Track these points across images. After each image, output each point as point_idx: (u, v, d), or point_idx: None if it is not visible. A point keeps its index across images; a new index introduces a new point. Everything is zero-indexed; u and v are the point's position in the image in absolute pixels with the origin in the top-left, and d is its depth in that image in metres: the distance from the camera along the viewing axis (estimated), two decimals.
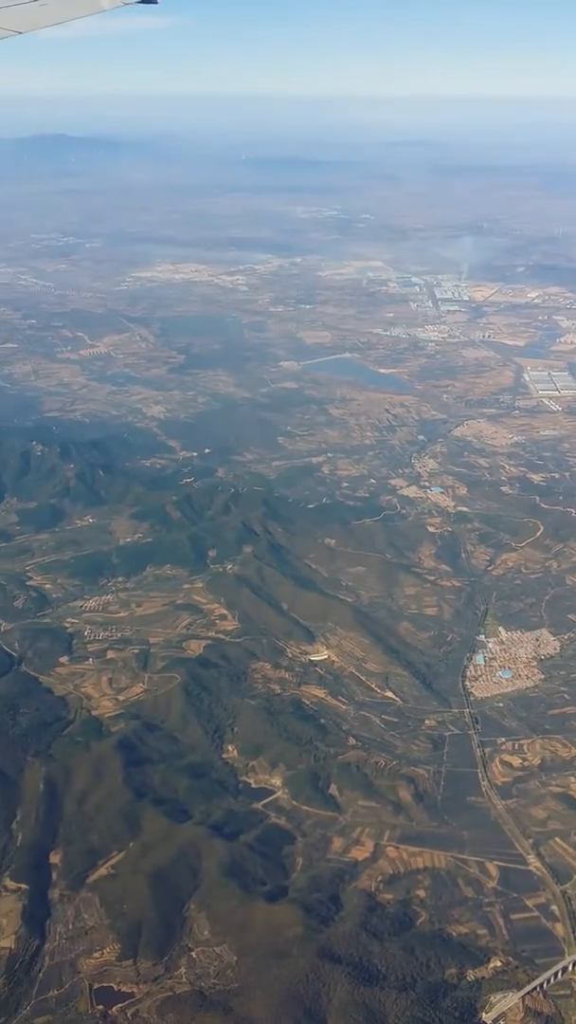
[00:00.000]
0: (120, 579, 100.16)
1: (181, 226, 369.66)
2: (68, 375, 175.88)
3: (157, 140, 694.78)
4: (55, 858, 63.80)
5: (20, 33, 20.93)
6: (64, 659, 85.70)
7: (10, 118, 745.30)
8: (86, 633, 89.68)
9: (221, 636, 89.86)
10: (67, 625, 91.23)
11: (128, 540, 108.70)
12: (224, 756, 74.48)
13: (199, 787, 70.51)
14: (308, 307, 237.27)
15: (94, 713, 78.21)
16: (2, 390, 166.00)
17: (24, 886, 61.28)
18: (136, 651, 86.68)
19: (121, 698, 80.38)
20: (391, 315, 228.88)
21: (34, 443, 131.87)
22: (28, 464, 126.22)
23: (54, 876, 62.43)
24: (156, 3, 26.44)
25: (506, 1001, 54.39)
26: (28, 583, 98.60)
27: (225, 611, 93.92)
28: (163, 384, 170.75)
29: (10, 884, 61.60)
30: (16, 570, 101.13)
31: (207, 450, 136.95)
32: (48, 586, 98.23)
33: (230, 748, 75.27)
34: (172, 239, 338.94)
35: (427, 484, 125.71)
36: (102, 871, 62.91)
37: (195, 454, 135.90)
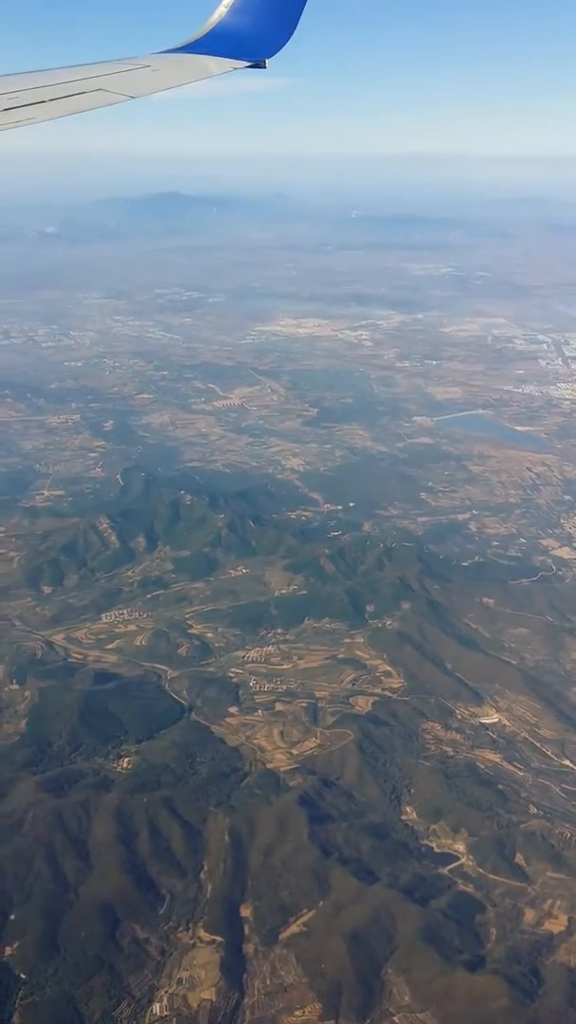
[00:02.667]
0: (279, 631, 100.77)
1: (300, 282, 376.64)
2: (205, 426, 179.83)
3: (267, 198, 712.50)
4: (246, 911, 63.67)
5: (133, 98, 21.24)
6: (233, 709, 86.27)
7: (125, 177, 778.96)
8: (251, 684, 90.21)
9: (388, 693, 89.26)
10: (232, 675, 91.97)
11: (283, 592, 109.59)
12: (403, 818, 73.48)
13: (382, 848, 69.58)
14: (434, 363, 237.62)
15: (269, 766, 78.23)
16: (143, 440, 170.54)
17: (219, 938, 61.32)
18: (304, 704, 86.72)
19: (295, 752, 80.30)
20: (521, 372, 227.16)
21: (182, 492, 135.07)
22: (178, 513, 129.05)
23: (246, 930, 62.34)
24: (264, 68, 26.12)
25: None
26: (189, 631, 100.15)
27: (389, 668, 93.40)
28: (299, 437, 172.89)
29: (204, 935, 61.66)
30: (176, 618, 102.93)
31: (351, 504, 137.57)
32: (210, 635, 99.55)
33: (408, 810, 74.26)
34: (293, 295, 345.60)
35: None
36: (294, 928, 62.46)
37: (339, 507, 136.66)
